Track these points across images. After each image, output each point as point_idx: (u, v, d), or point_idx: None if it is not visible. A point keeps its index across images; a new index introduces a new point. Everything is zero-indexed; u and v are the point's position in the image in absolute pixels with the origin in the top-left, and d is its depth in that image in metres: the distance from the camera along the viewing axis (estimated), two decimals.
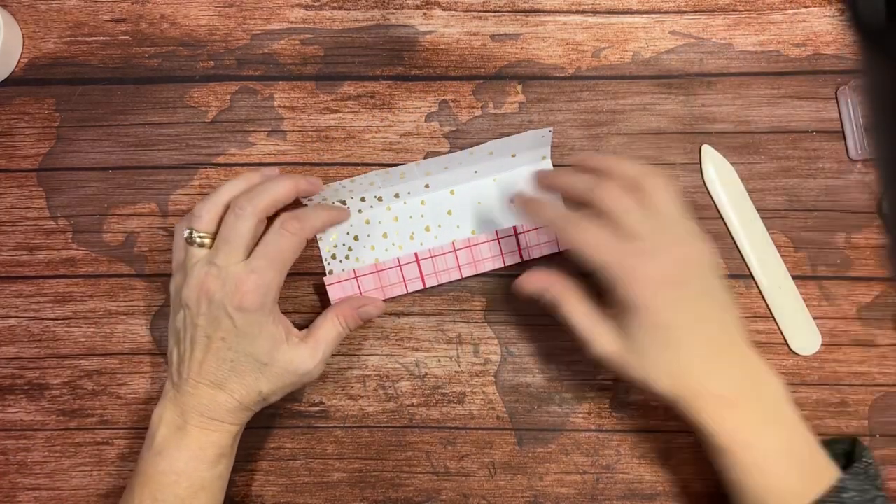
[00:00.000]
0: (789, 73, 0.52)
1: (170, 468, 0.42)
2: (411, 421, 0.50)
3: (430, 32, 0.53)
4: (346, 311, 0.47)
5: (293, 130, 0.52)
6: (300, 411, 0.51)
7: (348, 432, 0.50)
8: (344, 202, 0.50)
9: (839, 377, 0.50)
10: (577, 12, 0.53)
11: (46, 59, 0.53)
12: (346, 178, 0.49)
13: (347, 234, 0.51)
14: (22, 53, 0.53)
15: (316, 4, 0.53)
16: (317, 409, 0.51)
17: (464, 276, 0.50)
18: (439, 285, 0.51)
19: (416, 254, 0.50)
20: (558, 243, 0.50)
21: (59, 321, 0.51)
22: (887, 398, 0.50)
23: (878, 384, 0.50)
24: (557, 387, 0.50)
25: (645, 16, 0.53)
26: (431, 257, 0.50)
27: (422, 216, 0.51)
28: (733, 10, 0.53)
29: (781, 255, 0.51)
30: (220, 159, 0.52)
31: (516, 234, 0.50)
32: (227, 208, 0.45)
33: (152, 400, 0.51)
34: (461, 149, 0.49)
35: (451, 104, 0.52)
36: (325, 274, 0.50)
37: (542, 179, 0.48)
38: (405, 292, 0.50)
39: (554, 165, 0.51)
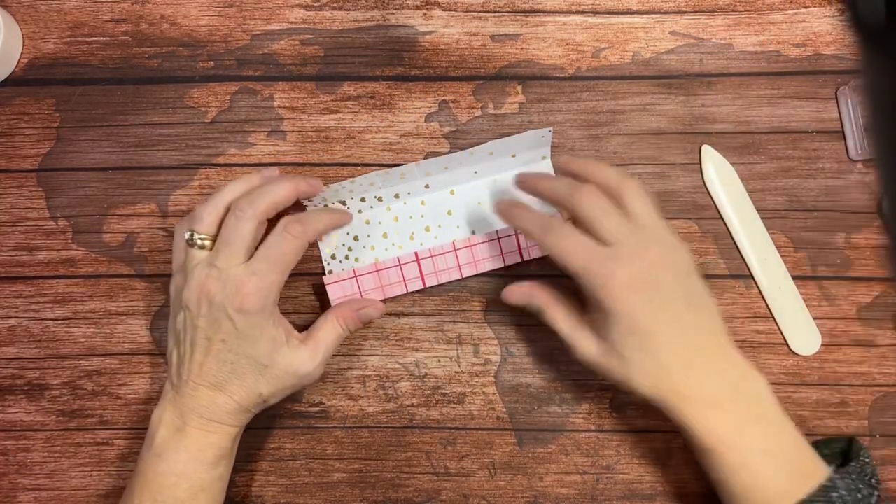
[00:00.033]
0: (789, 74, 0.52)
1: (169, 470, 0.42)
2: (411, 421, 0.50)
3: (430, 33, 0.53)
4: (346, 312, 0.47)
5: (293, 131, 0.52)
6: (300, 412, 0.51)
7: (348, 433, 0.50)
8: (344, 202, 0.50)
9: (839, 377, 0.50)
10: (577, 13, 0.53)
11: (46, 59, 0.53)
12: (346, 178, 0.49)
13: (347, 234, 0.51)
14: (22, 54, 0.53)
15: (316, 5, 0.53)
16: (317, 409, 0.51)
17: (464, 275, 0.50)
18: (439, 285, 0.51)
19: (416, 253, 0.50)
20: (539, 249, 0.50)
21: (59, 321, 0.51)
22: (887, 398, 0.50)
23: (878, 384, 0.50)
24: (557, 387, 0.50)
25: (645, 16, 0.53)
26: (431, 257, 0.50)
27: (422, 216, 0.51)
28: (733, 11, 0.53)
29: (781, 256, 0.50)
30: (220, 160, 0.52)
31: (516, 234, 0.50)
32: (227, 210, 0.45)
33: (152, 400, 0.51)
34: (461, 149, 0.49)
35: (451, 104, 0.52)
36: (324, 274, 0.50)
37: (522, 183, 0.48)
38: (405, 292, 0.50)
39: (554, 166, 0.51)
